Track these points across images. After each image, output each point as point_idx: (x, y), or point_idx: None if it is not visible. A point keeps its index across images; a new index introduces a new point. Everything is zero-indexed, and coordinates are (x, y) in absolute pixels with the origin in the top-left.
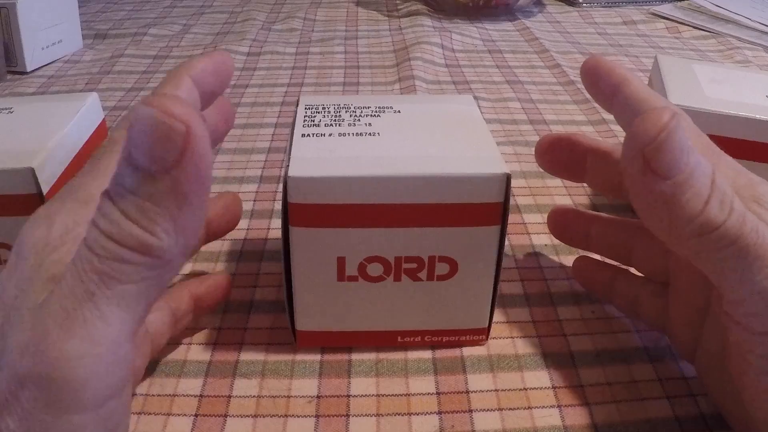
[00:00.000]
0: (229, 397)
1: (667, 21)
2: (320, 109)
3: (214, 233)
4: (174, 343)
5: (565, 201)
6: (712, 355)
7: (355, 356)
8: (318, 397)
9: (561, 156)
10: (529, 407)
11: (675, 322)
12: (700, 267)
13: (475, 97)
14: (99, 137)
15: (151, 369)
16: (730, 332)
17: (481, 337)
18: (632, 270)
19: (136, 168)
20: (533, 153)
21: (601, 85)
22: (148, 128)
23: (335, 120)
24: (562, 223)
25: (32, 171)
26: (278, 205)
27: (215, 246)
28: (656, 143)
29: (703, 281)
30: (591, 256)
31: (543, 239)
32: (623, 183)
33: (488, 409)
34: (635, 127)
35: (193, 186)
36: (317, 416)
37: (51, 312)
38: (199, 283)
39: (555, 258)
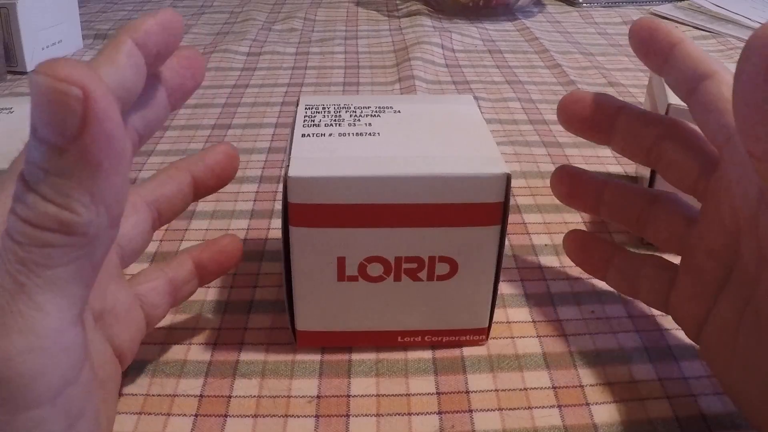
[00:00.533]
0: (229, 397)
1: (667, 21)
2: (320, 109)
3: (205, 190)
4: (175, 342)
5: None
6: (723, 331)
7: (355, 356)
8: (318, 397)
9: (587, 112)
10: (529, 407)
11: (683, 297)
12: None
13: (475, 97)
14: None
15: (151, 369)
16: None
17: (481, 337)
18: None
19: (42, 143)
20: (533, 153)
21: (656, 42)
22: (44, 98)
23: (335, 120)
24: (569, 183)
25: None
26: (278, 205)
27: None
28: None
29: (727, 251)
30: (584, 231)
31: (543, 239)
32: (735, 89)
33: (488, 409)
34: (760, 29)
35: (104, 152)
36: (317, 416)
37: None
38: (202, 248)
39: (555, 258)
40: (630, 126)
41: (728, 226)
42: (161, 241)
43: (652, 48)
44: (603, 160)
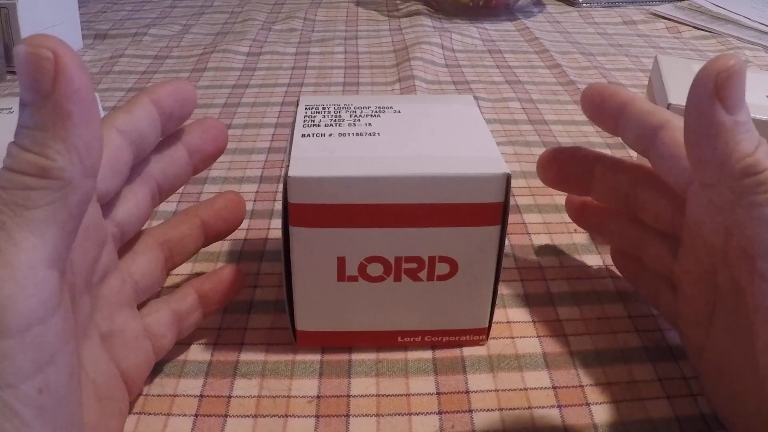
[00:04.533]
0: (229, 397)
1: (667, 21)
2: (320, 109)
3: (214, 234)
4: (177, 342)
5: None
6: (718, 359)
7: (355, 356)
8: (318, 397)
9: (566, 168)
10: (529, 407)
11: (684, 324)
12: (733, 220)
13: (475, 97)
14: None
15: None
16: (760, 297)
17: (481, 337)
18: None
19: (26, 105)
20: (533, 153)
21: (607, 106)
22: (24, 63)
23: (335, 120)
24: (578, 208)
25: None
26: (278, 205)
27: (215, 246)
28: (729, 72)
29: (707, 281)
30: (619, 247)
31: (543, 239)
32: (689, 114)
33: (488, 409)
34: (710, 61)
35: (74, 104)
36: (317, 416)
37: None
38: (203, 279)
39: (555, 258)
40: (606, 175)
41: (704, 260)
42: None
43: (605, 110)
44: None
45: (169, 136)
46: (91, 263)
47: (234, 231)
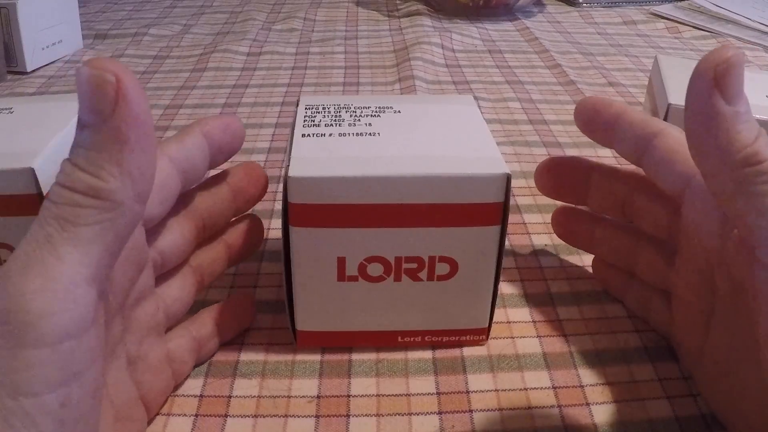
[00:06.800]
0: (230, 397)
1: (667, 21)
2: (320, 109)
3: (237, 256)
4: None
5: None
6: (717, 362)
7: (356, 356)
8: (318, 397)
9: (562, 177)
10: (529, 407)
11: (680, 331)
12: (733, 209)
13: (475, 97)
14: None
15: None
16: (759, 285)
17: (481, 337)
18: None
19: (84, 126)
20: (533, 153)
21: (600, 117)
22: (86, 85)
23: (335, 120)
24: (565, 224)
25: (32, 171)
26: (278, 205)
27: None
28: (728, 63)
29: (705, 285)
30: (605, 259)
31: (543, 239)
32: (689, 105)
33: (488, 409)
34: (709, 53)
35: (132, 129)
36: (317, 416)
37: (15, 257)
38: (220, 309)
39: (555, 258)
40: (602, 184)
41: (701, 264)
42: None
43: (599, 121)
44: (603, 161)
45: (216, 175)
46: (129, 285)
47: (253, 254)
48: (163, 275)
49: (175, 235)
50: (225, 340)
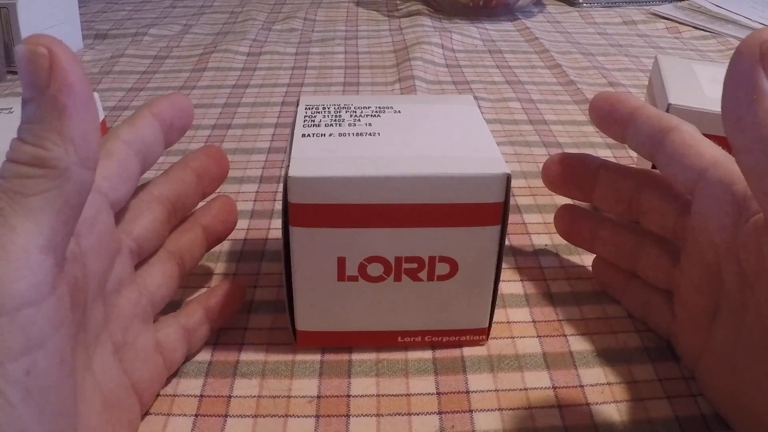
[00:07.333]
0: (229, 397)
1: (667, 21)
2: (320, 109)
3: (215, 237)
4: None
5: (565, 201)
6: (720, 360)
7: (356, 356)
8: (318, 397)
9: (570, 174)
10: (529, 407)
11: (682, 330)
12: (763, 186)
13: (475, 97)
14: None
15: None
16: None
17: (481, 337)
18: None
19: (26, 102)
20: (533, 153)
21: (616, 112)
22: (23, 61)
23: (335, 120)
24: (568, 222)
25: None
26: (278, 205)
27: (216, 247)
28: None
29: (711, 283)
30: (607, 260)
31: (543, 239)
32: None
33: (488, 409)
34: (755, 31)
35: (69, 97)
36: (317, 416)
37: None
38: (208, 295)
39: (555, 258)
40: (609, 181)
41: (709, 260)
42: None
43: (614, 116)
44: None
45: (178, 162)
46: (104, 269)
47: (231, 233)
48: (142, 262)
49: (147, 219)
50: (216, 326)
